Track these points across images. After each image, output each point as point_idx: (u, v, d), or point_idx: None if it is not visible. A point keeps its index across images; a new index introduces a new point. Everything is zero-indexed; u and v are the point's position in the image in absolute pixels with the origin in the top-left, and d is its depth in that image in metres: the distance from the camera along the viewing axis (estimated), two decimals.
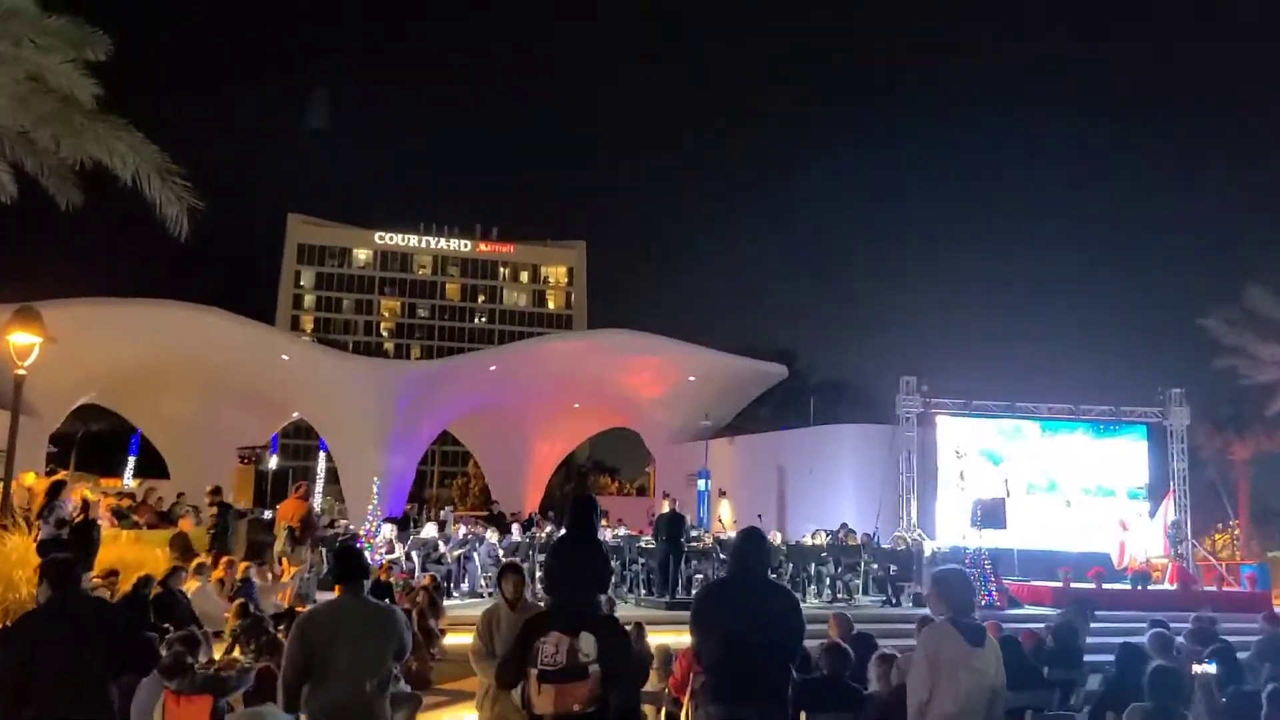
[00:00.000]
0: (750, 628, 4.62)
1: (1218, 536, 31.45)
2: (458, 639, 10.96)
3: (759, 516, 23.05)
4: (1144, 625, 14.74)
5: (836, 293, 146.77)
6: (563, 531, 5.87)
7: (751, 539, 5.00)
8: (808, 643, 5.09)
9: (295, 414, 32.66)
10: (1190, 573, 20.80)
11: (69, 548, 10.04)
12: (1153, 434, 22.57)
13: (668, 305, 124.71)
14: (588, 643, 4.28)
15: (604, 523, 27.06)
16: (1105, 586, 19.20)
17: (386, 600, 8.78)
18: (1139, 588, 19.44)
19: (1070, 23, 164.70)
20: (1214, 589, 20.67)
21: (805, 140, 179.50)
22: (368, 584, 5.13)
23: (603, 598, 5.47)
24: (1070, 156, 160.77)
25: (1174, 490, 21.82)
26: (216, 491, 15.92)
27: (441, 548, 17.66)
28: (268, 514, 16.67)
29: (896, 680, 6.01)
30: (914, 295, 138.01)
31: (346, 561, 5.17)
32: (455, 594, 16.75)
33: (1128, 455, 22.52)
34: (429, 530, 18.28)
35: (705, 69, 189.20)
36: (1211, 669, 5.85)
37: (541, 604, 5.64)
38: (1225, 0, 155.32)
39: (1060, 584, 18.75)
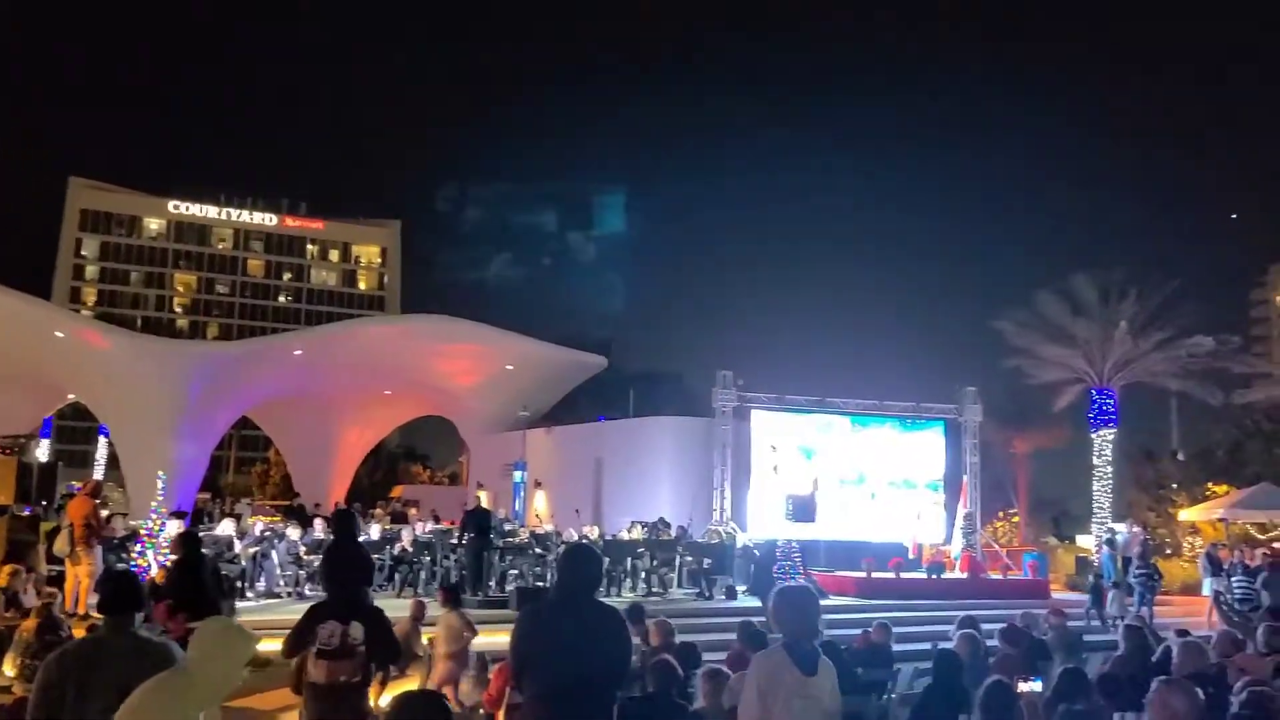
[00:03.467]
0: (575, 660, 4.31)
1: (997, 524, 33.61)
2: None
3: (576, 511, 22.82)
4: (942, 614, 15.57)
5: (654, 285, 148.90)
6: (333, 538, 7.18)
7: (576, 558, 4.68)
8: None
9: (71, 396, 29.92)
10: (980, 562, 22.00)
11: None
12: (950, 429, 23.73)
13: (486, 292, 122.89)
14: (357, 629, 5.49)
15: (414, 513, 26.22)
16: (903, 576, 20.05)
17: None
18: (934, 576, 20.40)
19: (878, 29, 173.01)
20: (1000, 576, 21.95)
21: (626, 131, 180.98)
22: (139, 617, 4.38)
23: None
24: (878, 166, 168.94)
25: (967, 483, 23.02)
26: None
27: (236, 546, 16.46)
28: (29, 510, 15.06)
29: (729, 702, 5.77)
30: (731, 291, 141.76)
31: (114, 589, 4.41)
32: (250, 595, 15.65)
33: (928, 449, 23.58)
34: (224, 527, 17.01)
35: (526, 52, 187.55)
36: (1038, 686, 5.92)
37: None
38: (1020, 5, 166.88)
39: (863, 574, 19.42)
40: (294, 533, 17.34)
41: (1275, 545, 21.37)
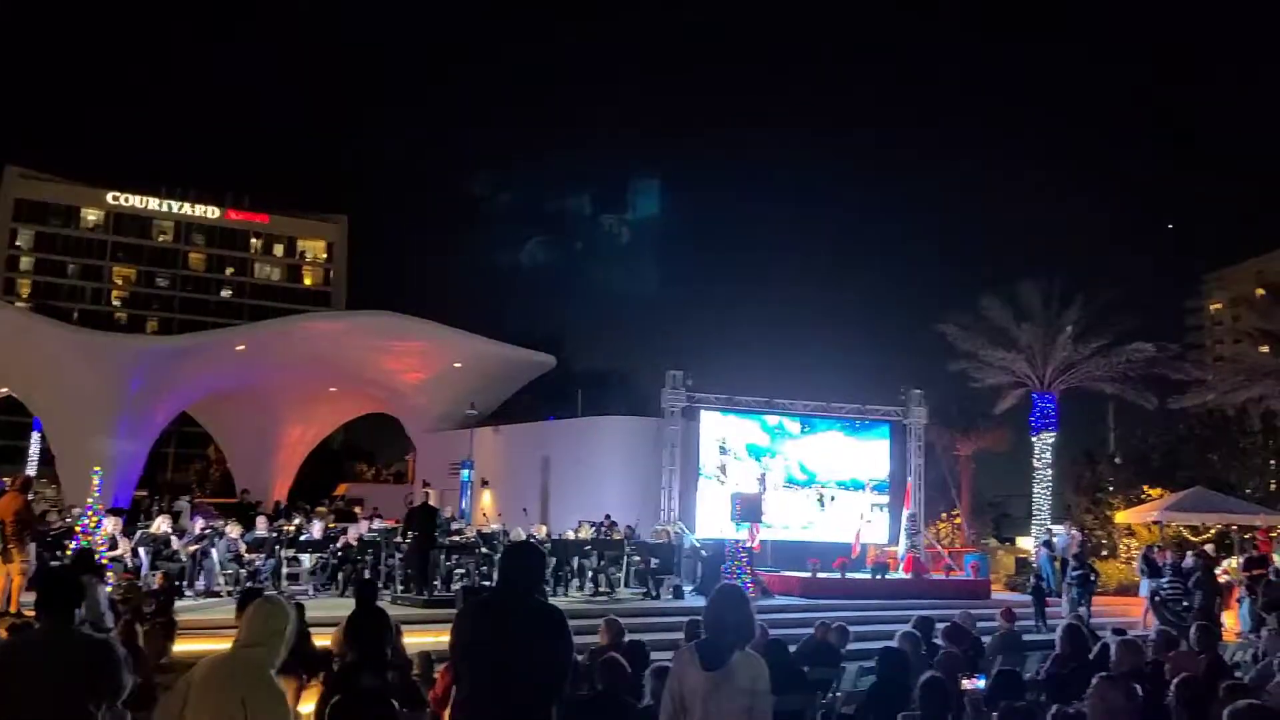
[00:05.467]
0: (512, 656, 4.30)
1: (940, 525, 34.12)
2: (192, 646, 9.85)
3: (524, 510, 22.72)
4: (887, 614, 15.78)
5: (603, 284, 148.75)
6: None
7: (518, 555, 4.67)
8: (580, 640, 4.89)
9: (3, 390, 29.10)
10: (923, 562, 22.31)
11: None
12: (895, 431, 24.04)
13: (435, 289, 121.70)
14: None
15: (359, 510, 25.90)
16: (848, 576, 20.28)
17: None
18: (878, 577, 20.65)
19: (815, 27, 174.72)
20: (942, 577, 22.28)
21: (576, 132, 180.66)
22: (80, 613, 4.24)
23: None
24: (828, 171, 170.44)
25: (912, 484, 23.34)
26: None
27: (174, 543, 16.13)
28: None
29: None
30: (681, 292, 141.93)
31: (49, 585, 4.28)
32: (189, 593, 15.36)
33: (874, 451, 23.87)
34: (161, 524, 16.67)
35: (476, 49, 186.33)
36: (981, 684, 6.01)
37: None
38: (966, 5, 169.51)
39: (809, 574, 19.60)
40: (234, 530, 17.04)
41: (1205, 548, 21.93)
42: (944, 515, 34.66)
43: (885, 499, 23.64)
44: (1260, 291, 32.96)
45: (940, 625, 10.11)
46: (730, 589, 4.78)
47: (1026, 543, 27.23)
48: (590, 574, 18.05)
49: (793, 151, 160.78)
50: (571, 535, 19.46)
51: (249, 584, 15.59)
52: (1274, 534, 23.47)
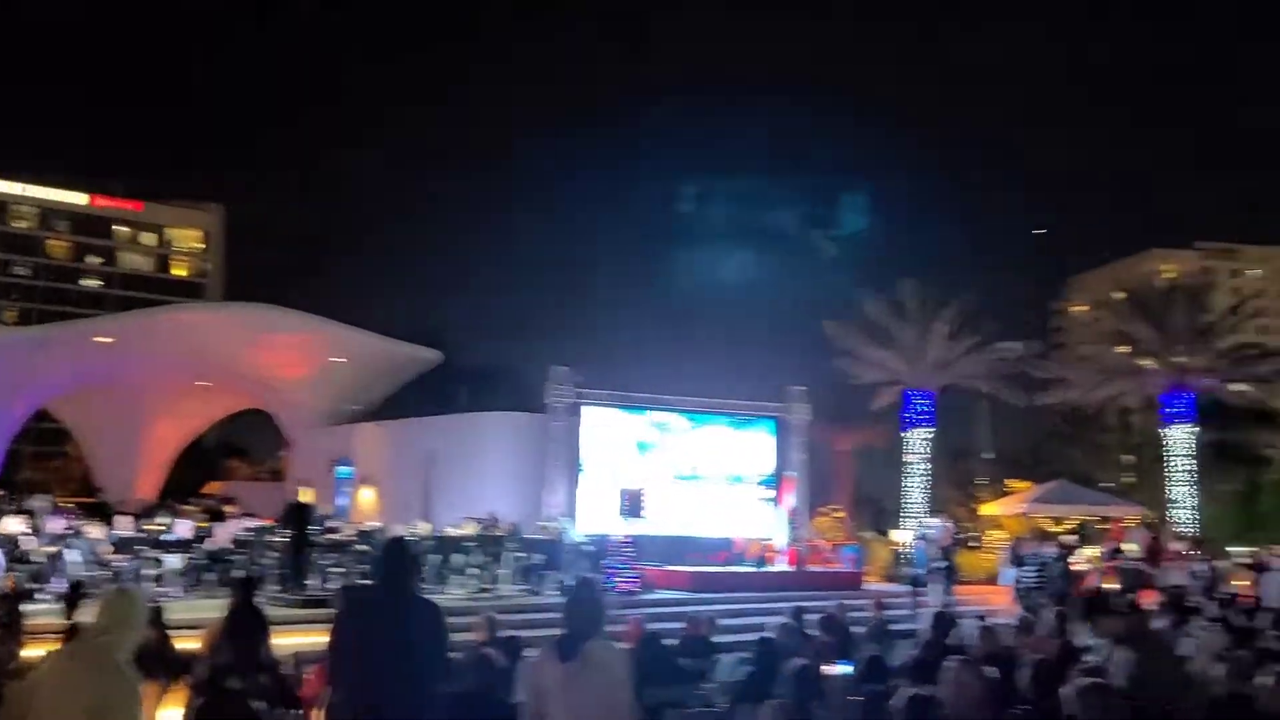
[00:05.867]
0: (388, 652, 4.27)
1: (820, 520, 34.92)
2: (44, 650, 9.31)
3: (407, 507, 22.32)
4: (770, 606, 16.06)
5: (487, 279, 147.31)
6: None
7: (392, 551, 4.68)
8: (460, 636, 4.86)
9: None
10: (804, 555, 22.78)
11: None
12: (779, 427, 24.46)
13: (315, 283, 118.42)
14: None
15: (230, 509, 24.98)
16: (732, 569, 20.57)
17: None
18: (760, 570, 21.02)
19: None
20: (821, 569, 22.79)
21: (462, 126, 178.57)
22: None
23: None
24: (714, 168, 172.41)
25: (794, 479, 23.81)
26: None
27: (26, 543, 15.27)
28: None
29: None
30: (564, 286, 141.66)
31: None
32: (45, 596, 14.54)
33: (760, 446, 24.24)
34: (11, 524, 15.76)
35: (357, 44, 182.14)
36: (849, 669, 6.17)
37: None
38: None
39: (693, 569, 19.80)
40: (97, 531, 16.24)
41: (1064, 538, 23.04)
42: (825, 509, 35.48)
43: (771, 493, 24.04)
44: (1117, 295, 34.73)
45: (817, 616, 10.35)
46: (584, 581, 4.87)
47: (900, 536, 28.06)
48: (473, 570, 17.84)
49: (675, 143, 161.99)
50: (455, 531, 19.21)
51: (112, 585, 14.89)
52: (1125, 524, 24.83)
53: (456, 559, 17.82)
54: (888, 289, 27.36)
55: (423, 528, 19.02)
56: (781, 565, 22.08)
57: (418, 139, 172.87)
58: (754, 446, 24.15)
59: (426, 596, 4.69)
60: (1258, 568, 18.34)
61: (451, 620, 4.60)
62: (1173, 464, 26.98)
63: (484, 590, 17.30)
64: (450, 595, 16.34)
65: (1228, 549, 25.42)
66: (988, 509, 27.23)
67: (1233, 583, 18.91)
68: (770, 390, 24.69)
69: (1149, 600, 15.38)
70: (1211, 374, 27.63)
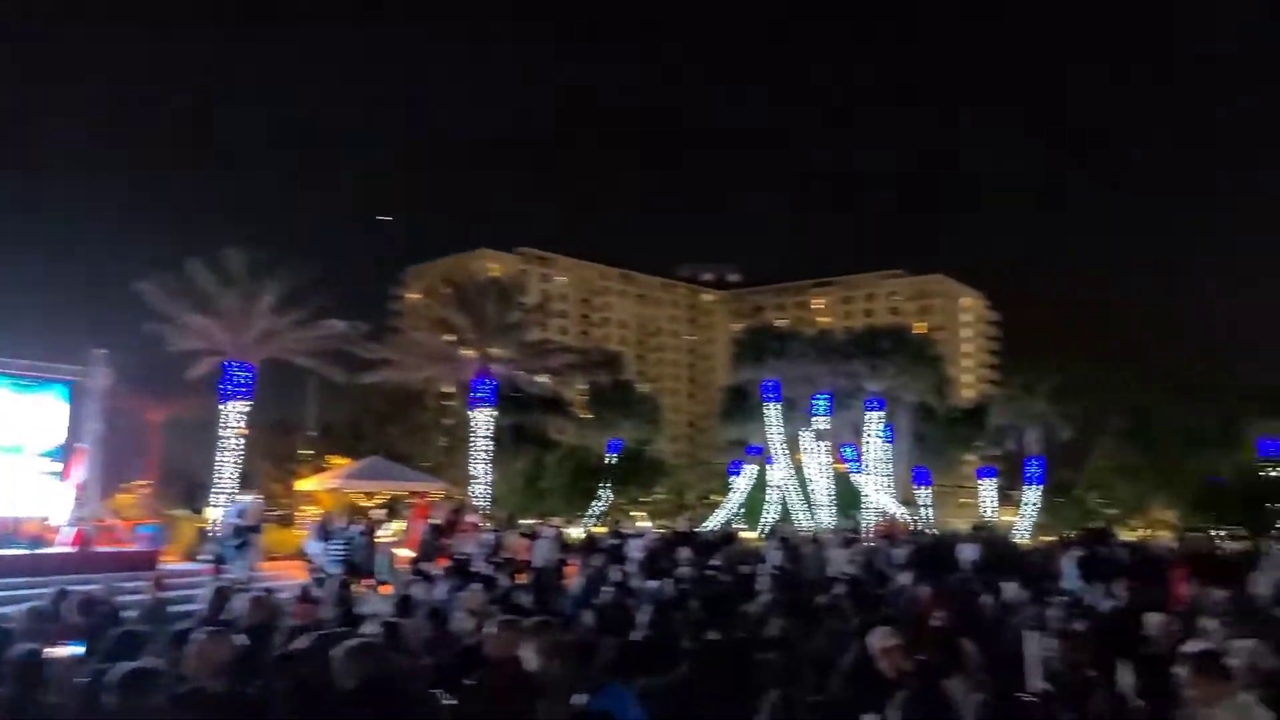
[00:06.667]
0: None
1: (121, 497, 32.05)
2: None
3: None
4: (43, 590, 14.13)
5: None
6: None
7: None
8: None
9: None
10: (91, 535, 20.60)
11: None
12: (75, 393, 21.81)
13: None
14: None
15: None
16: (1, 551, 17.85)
17: None
18: (36, 551, 18.58)
19: None
20: (111, 550, 20.82)
21: None
22: None
23: None
24: None
25: (87, 450, 21.42)
26: None
27: None
28: None
29: None
30: None
31: None
32: None
33: (49, 413, 21.37)
34: None
35: None
36: (79, 650, 5.71)
37: None
38: None
39: None
40: None
41: (372, 514, 24.08)
42: (130, 485, 32.57)
43: (58, 467, 21.32)
44: (445, 288, 37.46)
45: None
46: None
47: (211, 513, 26.93)
48: None
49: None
50: None
51: None
52: (431, 499, 26.82)
53: None
54: (217, 254, 26.01)
55: None
56: (64, 546, 19.69)
57: None
58: (42, 412, 21.23)
59: None
60: (532, 536, 21.07)
61: None
62: (476, 444, 29.82)
63: None
64: None
65: (521, 521, 28.77)
66: (304, 484, 27.35)
67: (514, 549, 21.41)
68: (65, 352, 21.92)
69: (439, 567, 16.86)
70: (514, 364, 31.16)
